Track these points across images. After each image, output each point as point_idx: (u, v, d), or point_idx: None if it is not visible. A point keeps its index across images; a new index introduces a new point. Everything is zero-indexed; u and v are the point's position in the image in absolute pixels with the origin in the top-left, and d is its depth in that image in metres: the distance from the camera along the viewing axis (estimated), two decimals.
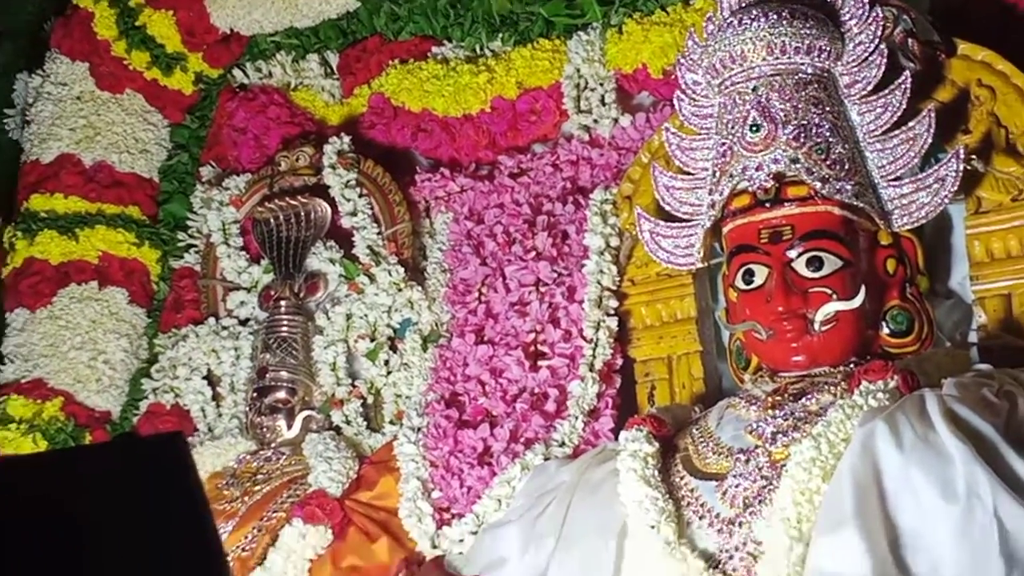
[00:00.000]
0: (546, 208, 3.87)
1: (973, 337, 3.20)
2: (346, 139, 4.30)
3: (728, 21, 3.14)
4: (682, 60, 3.36)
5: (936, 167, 3.02)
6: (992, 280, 3.15)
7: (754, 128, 3.03)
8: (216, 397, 4.32)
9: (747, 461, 2.87)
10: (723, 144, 3.12)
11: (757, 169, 3.03)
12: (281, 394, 4.07)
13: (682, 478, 2.97)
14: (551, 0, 4.03)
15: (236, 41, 4.68)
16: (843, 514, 2.53)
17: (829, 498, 2.61)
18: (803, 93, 3.06)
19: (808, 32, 3.07)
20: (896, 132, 3.06)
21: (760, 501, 2.79)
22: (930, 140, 3.03)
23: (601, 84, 3.97)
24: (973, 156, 3.09)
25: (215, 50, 4.68)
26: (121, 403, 4.51)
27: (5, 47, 5.41)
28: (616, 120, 3.93)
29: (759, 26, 3.06)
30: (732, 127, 3.09)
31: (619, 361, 3.58)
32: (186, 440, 1.83)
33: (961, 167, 2.99)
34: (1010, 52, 3.24)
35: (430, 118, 4.23)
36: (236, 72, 4.73)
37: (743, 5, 3.20)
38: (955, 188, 3.01)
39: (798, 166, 2.99)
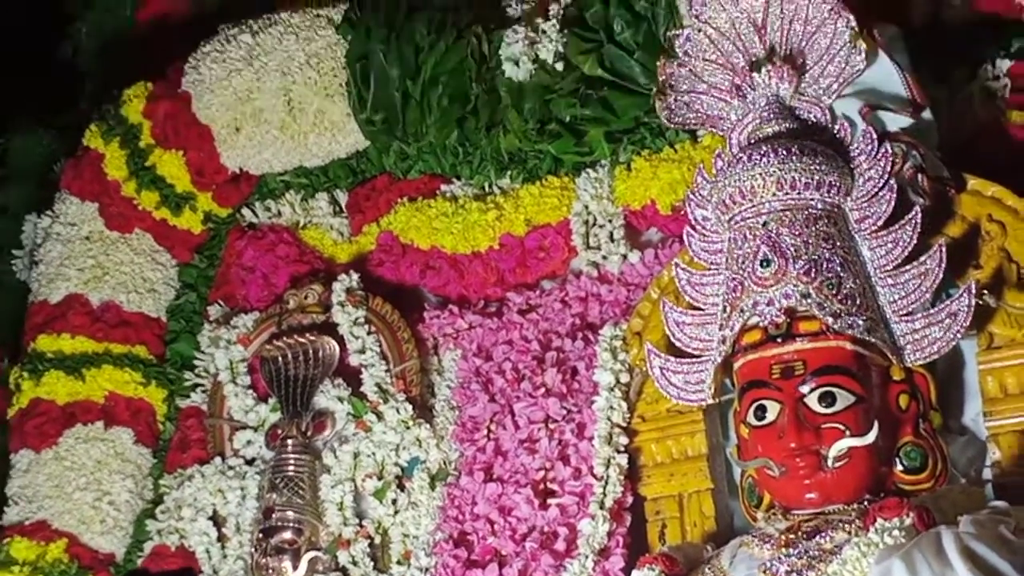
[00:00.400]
0: (555, 344, 3.86)
1: (988, 474, 3.16)
2: (355, 276, 4.30)
3: (737, 157, 3.16)
4: (691, 196, 3.37)
5: (948, 302, 3.02)
6: (1006, 416, 3.12)
7: (764, 263, 3.02)
8: (221, 538, 4.24)
9: None
10: (733, 279, 3.12)
11: (768, 304, 3.02)
12: (287, 534, 4.01)
13: None
14: (559, 138, 4.03)
15: (246, 180, 4.68)
16: None
17: None
18: (813, 228, 3.06)
19: (818, 168, 3.08)
20: (907, 267, 3.07)
21: None
22: (941, 275, 3.04)
23: (610, 220, 3.98)
24: (984, 291, 3.08)
25: (225, 190, 4.68)
26: (126, 545, 4.44)
27: (14, 190, 5.46)
28: (625, 256, 3.93)
29: (768, 162, 3.07)
30: (742, 262, 3.08)
31: (629, 499, 3.54)
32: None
33: (973, 302, 2.99)
34: (1020, 187, 3.24)
35: (439, 255, 4.24)
36: (245, 211, 4.74)
37: (752, 141, 3.21)
38: (967, 323, 3.00)
39: (809, 301, 2.99)
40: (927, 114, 3.29)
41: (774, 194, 3.07)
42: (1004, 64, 3.48)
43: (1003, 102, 3.47)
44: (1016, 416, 3.11)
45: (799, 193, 3.07)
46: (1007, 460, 3.09)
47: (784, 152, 3.08)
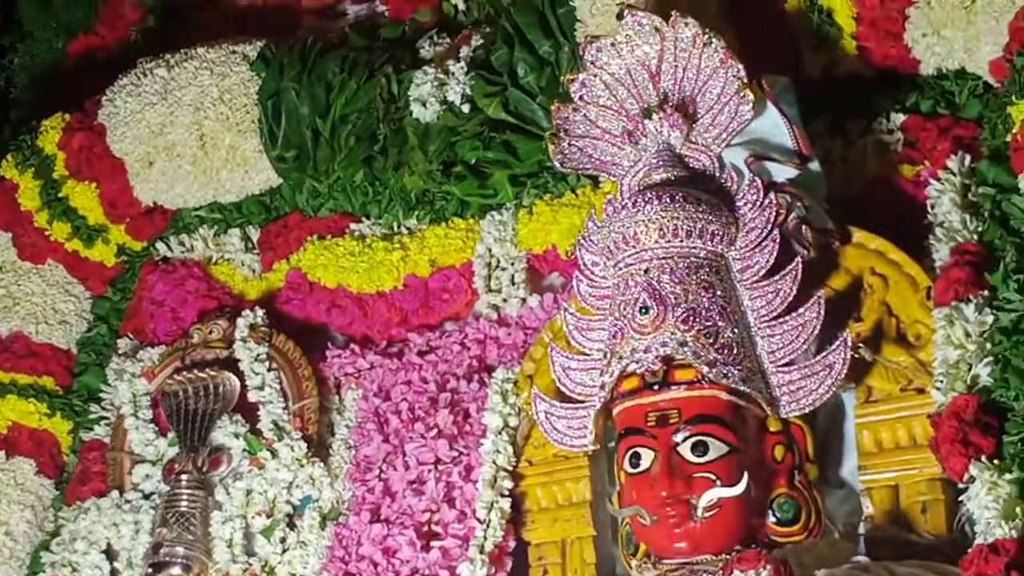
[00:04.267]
0: (450, 386, 3.85)
1: (862, 528, 3.14)
2: (260, 313, 4.29)
3: (623, 203, 3.16)
4: (582, 240, 3.38)
5: (824, 354, 3.02)
6: (880, 471, 3.11)
7: (644, 310, 3.02)
8: (114, 572, 4.20)
9: None
10: (615, 325, 3.12)
11: (645, 351, 3.02)
12: (175, 570, 3.96)
13: None
14: (464, 180, 4.03)
15: (160, 214, 4.66)
16: None
17: None
18: (694, 276, 3.06)
19: (701, 216, 3.09)
20: (786, 318, 3.06)
21: None
22: (819, 327, 3.04)
23: (512, 264, 3.97)
24: (860, 344, 3.07)
25: (138, 223, 4.66)
26: None
27: None
28: (524, 300, 3.92)
29: (652, 209, 3.08)
30: (624, 308, 3.08)
31: (511, 544, 3.52)
32: None
33: (848, 355, 2.99)
34: (910, 241, 3.25)
35: (344, 294, 4.23)
36: (159, 245, 4.71)
37: (641, 188, 3.21)
38: (842, 376, 3.01)
39: (686, 349, 2.98)
40: (815, 165, 3.29)
41: (656, 241, 3.07)
42: (898, 118, 3.49)
43: (895, 155, 3.48)
44: (889, 471, 3.09)
45: (681, 241, 3.08)
46: (879, 515, 3.07)
47: (668, 200, 3.08)
